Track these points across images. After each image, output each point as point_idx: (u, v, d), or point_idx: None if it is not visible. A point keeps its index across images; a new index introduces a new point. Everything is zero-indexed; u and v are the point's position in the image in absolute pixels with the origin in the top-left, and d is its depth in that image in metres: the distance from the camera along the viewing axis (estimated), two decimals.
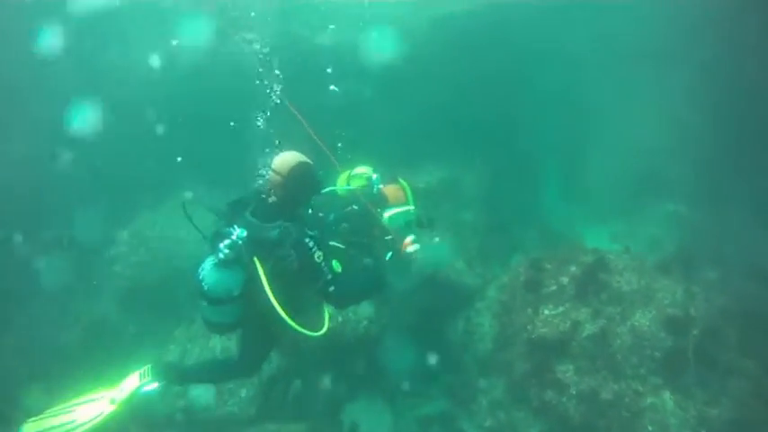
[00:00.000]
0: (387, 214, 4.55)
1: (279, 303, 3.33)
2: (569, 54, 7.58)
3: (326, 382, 5.58)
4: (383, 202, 4.63)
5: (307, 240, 3.44)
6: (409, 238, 3.88)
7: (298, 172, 3.55)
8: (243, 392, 5.32)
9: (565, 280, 5.07)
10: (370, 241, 4.46)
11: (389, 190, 4.75)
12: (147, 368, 3.91)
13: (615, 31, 7.54)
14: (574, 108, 7.94)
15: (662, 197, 7.67)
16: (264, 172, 3.98)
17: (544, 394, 4.62)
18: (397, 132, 6.83)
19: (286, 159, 3.61)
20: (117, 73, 7.33)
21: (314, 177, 3.64)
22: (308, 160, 3.65)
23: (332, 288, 3.45)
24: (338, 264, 3.71)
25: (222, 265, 3.38)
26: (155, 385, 3.82)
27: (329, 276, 3.44)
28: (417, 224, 4.97)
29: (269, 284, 3.34)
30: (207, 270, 3.40)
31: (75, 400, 3.83)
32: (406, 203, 4.72)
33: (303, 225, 3.55)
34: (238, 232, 3.38)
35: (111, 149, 7.04)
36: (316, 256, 3.41)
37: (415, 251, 3.85)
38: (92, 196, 6.79)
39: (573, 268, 5.19)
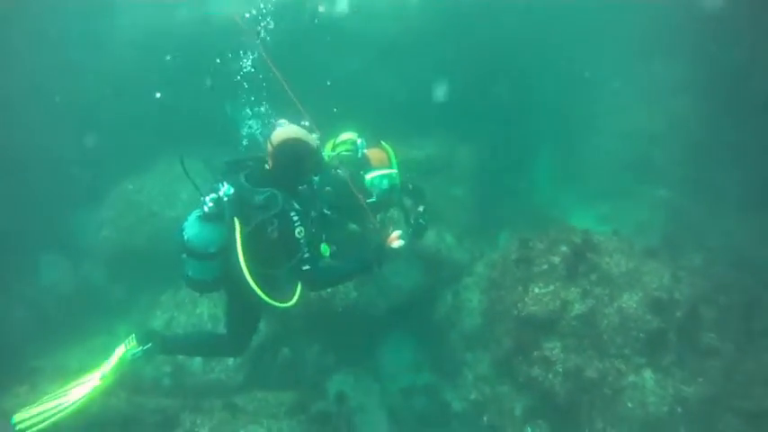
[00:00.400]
0: (368, 176, 4.54)
1: (249, 269, 3.38)
2: (566, 36, 7.58)
3: (314, 351, 5.63)
4: (366, 166, 4.61)
5: (292, 214, 3.44)
6: (396, 233, 3.83)
7: (285, 147, 3.58)
8: (230, 360, 5.31)
9: (556, 259, 5.13)
10: (353, 204, 4.44)
11: (372, 153, 4.75)
12: (132, 337, 3.99)
13: (610, 17, 7.53)
14: (568, 89, 7.97)
15: (650, 182, 7.76)
16: (248, 134, 3.95)
17: (531, 370, 4.71)
18: (392, 105, 6.73)
19: (282, 132, 3.65)
20: (99, 37, 7.01)
21: (302, 156, 3.62)
22: (305, 139, 3.65)
23: (306, 267, 3.46)
24: (327, 249, 3.72)
25: (204, 218, 3.46)
26: (140, 350, 3.89)
27: (305, 255, 3.44)
28: (403, 190, 4.94)
29: (242, 247, 3.38)
30: (189, 222, 3.51)
31: (66, 386, 3.90)
32: (390, 167, 4.69)
33: (292, 198, 3.56)
34: (225, 189, 3.46)
35: (95, 116, 6.82)
36: (296, 231, 3.40)
37: (400, 247, 3.81)
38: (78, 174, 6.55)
39: (564, 248, 5.24)
